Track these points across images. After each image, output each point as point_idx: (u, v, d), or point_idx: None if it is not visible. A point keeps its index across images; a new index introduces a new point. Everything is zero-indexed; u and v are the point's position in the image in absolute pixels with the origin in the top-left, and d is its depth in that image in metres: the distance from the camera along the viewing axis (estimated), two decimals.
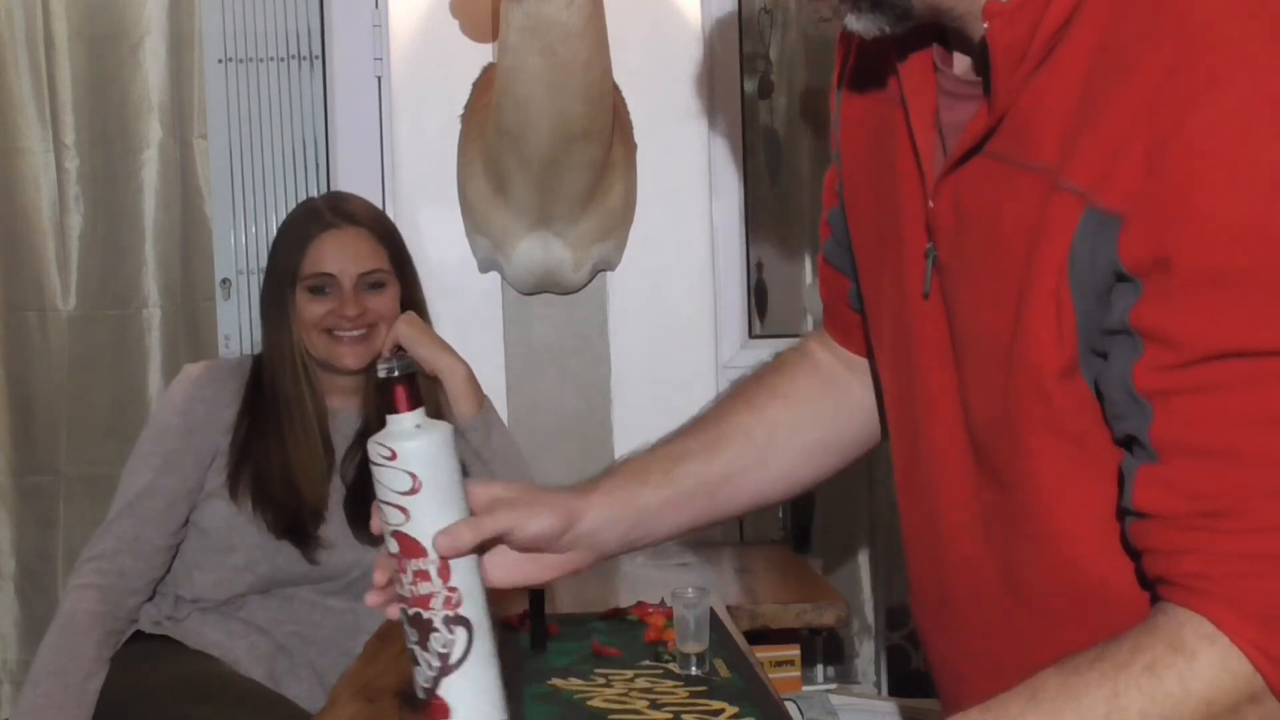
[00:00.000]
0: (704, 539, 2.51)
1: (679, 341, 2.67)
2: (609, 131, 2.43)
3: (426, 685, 1.14)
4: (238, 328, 2.94)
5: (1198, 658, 0.87)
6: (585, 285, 2.62)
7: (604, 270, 2.63)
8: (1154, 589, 0.92)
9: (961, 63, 1.06)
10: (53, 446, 3.22)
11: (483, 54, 2.61)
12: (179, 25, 3.13)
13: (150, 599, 2.03)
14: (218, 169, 2.94)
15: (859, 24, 1.02)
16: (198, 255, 3.16)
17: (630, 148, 2.60)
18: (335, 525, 2.03)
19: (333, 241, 2.07)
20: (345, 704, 1.50)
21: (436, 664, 1.13)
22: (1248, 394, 0.86)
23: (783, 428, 1.28)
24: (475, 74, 2.61)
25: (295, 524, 2.01)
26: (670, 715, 1.31)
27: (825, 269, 1.32)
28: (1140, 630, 0.89)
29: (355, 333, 2.06)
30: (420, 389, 1.12)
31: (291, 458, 2.03)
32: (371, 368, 2.10)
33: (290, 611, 2.03)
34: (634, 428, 2.63)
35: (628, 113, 2.60)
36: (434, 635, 1.12)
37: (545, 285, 2.59)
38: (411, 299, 2.14)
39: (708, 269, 2.68)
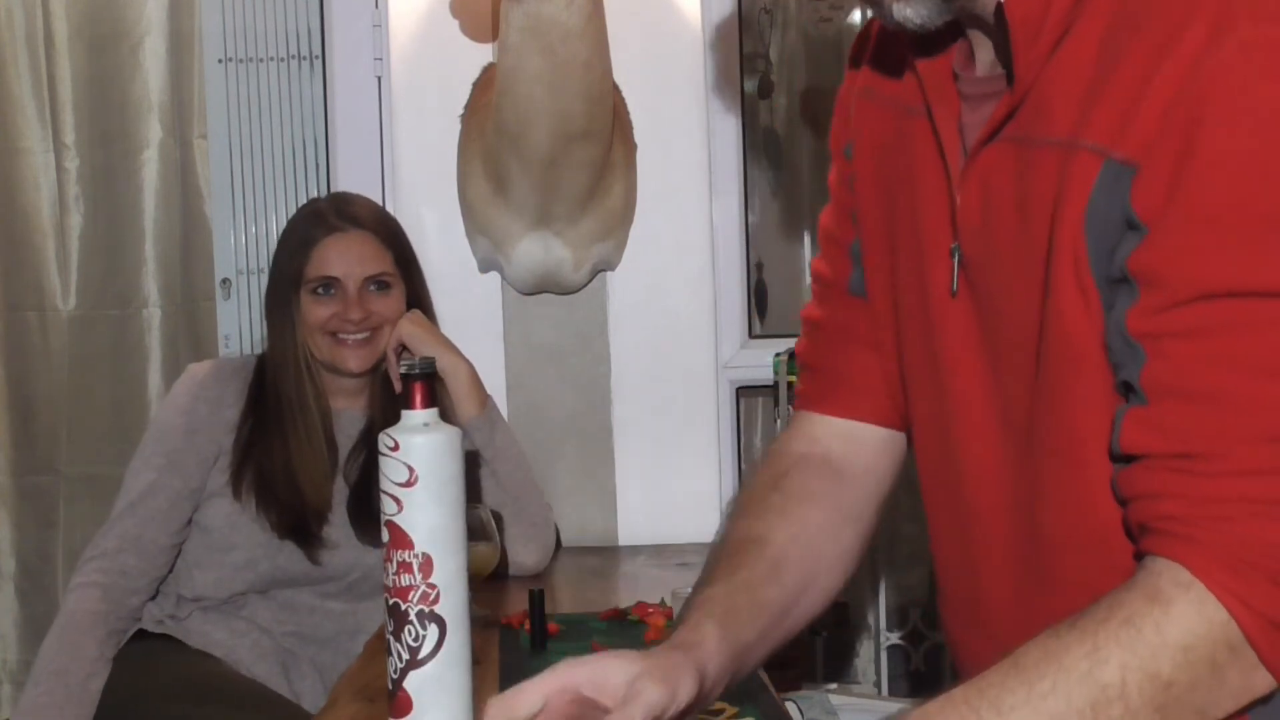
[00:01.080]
0: (704, 539, 2.51)
1: (679, 341, 2.67)
2: (609, 131, 2.43)
3: (395, 676, 1.17)
4: (238, 328, 2.93)
5: (1173, 605, 0.86)
6: (585, 285, 2.62)
7: (604, 270, 2.63)
8: (1138, 543, 0.91)
9: (983, 64, 1.06)
10: (53, 446, 3.22)
11: (483, 54, 2.61)
12: (179, 25, 3.14)
13: (153, 598, 2.04)
14: (218, 169, 2.93)
15: (910, 10, 0.99)
16: (198, 255, 3.16)
17: (630, 148, 2.60)
18: (338, 526, 2.04)
19: (337, 245, 2.06)
20: (345, 704, 1.50)
21: (406, 656, 1.16)
22: (1238, 337, 0.86)
23: (819, 528, 1.19)
24: (475, 74, 2.60)
25: (299, 524, 2.01)
26: None
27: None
28: (1120, 588, 0.89)
29: (359, 336, 2.06)
30: (437, 391, 1.16)
31: (295, 458, 2.03)
32: (375, 369, 2.10)
33: (290, 613, 2.03)
34: (634, 428, 2.63)
35: (628, 113, 2.60)
36: (407, 628, 1.16)
37: (545, 285, 2.59)
38: (417, 298, 2.14)
39: (708, 269, 2.68)
